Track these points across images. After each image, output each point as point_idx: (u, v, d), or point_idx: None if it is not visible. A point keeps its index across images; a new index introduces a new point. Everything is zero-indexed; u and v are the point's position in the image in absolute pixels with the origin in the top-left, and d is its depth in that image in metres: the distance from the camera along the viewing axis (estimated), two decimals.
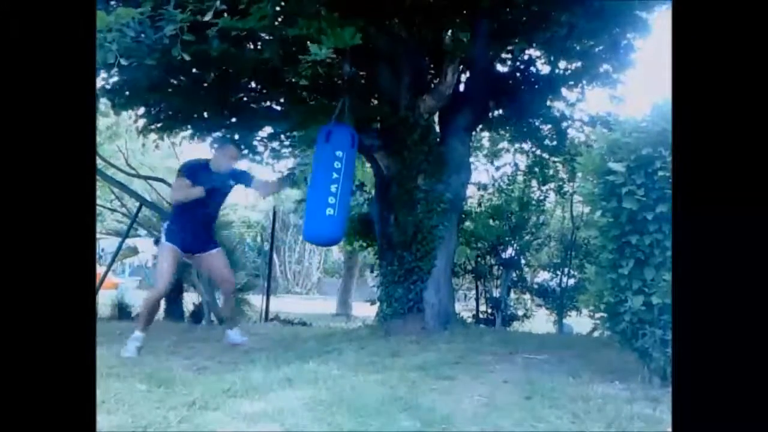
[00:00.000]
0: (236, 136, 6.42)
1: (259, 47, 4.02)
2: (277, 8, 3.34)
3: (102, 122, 9.16)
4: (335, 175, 4.41)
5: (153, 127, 6.03)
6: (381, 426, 2.18)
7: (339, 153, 4.43)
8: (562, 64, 6.41)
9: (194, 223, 4.09)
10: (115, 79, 4.88)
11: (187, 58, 3.35)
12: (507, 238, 8.61)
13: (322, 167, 4.48)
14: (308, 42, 3.47)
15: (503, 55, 6.47)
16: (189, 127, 6.24)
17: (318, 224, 4.48)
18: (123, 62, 3.18)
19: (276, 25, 3.70)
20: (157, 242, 4.19)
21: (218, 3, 3.23)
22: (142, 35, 3.35)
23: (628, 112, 6.79)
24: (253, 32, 3.79)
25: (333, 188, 4.40)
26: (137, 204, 7.94)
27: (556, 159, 8.16)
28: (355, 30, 3.63)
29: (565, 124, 7.22)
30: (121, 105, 5.61)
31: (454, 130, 5.48)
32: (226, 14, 3.33)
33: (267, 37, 3.75)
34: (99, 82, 4.94)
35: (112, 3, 4.18)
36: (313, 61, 3.49)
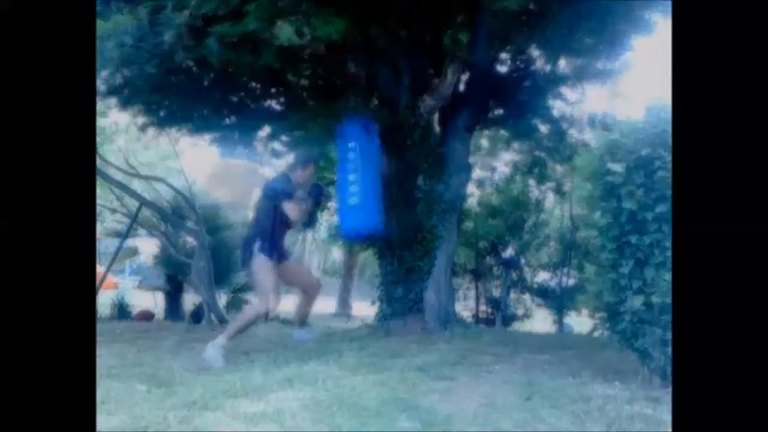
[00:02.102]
0: (236, 136, 6.44)
1: (257, 49, 4.00)
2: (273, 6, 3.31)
3: (102, 122, 9.16)
4: (351, 166, 4.56)
5: (151, 122, 6.02)
6: (381, 427, 2.18)
7: (351, 144, 4.60)
8: (562, 64, 6.41)
9: (279, 237, 4.13)
10: (116, 79, 4.88)
11: (191, 63, 3.34)
12: (507, 238, 8.62)
13: (340, 162, 4.68)
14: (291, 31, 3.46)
15: (503, 55, 6.47)
16: (189, 125, 6.24)
17: (345, 216, 4.67)
18: (125, 72, 3.18)
19: (269, 33, 3.68)
20: (244, 262, 4.10)
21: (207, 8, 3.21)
22: (141, 42, 3.34)
23: (627, 112, 6.81)
24: (251, 36, 3.77)
25: (351, 177, 4.56)
26: (137, 204, 7.94)
27: (555, 159, 8.17)
28: (345, 26, 3.64)
29: (564, 124, 7.22)
30: (121, 105, 5.61)
31: (453, 130, 5.48)
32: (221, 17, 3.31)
33: (263, 38, 3.71)
34: (99, 83, 4.93)
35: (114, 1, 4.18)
36: (309, 58, 3.50)
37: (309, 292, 4.40)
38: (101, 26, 3.12)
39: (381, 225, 4.77)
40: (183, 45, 3.25)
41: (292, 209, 4.01)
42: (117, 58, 3.13)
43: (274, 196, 4.08)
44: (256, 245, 3.97)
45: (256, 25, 3.49)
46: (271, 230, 4.04)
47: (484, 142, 9.32)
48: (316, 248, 22.69)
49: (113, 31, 3.11)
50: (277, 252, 4.05)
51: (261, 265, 3.95)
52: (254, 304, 4.18)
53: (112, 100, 5.75)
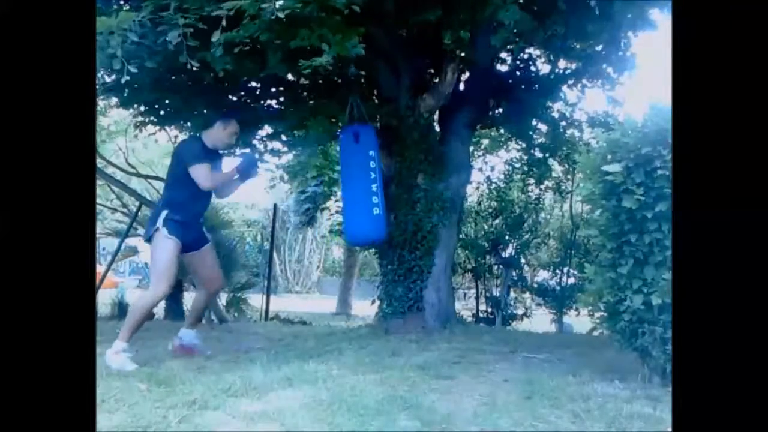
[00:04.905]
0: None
1: (261, 53, 3.98)
2: (279, 14, 3.28)
3: (101, 121, 9.16)
4: (373, 175, 4.61)
5: (149, 120, 6.02)
6: (381, 426, 2.18)
7: (372, 152, 4.61)
8: (562, 64, 6.41)
9: (193, 216, 3.67)
10: (115, 78, 4.88)
11: (196, 65, 3.32)
12: (506, 237, 8.62)
13: (357, 169, 4.65)
14: (309, 48, 3.46)
15: (503, 54, 6.46)
16: (189, 124, 6.24)
17: (365, 225, 4.66)
18: (132, 69, 3.16)
19: (278, 39, 3.65)
20: (149, 238, 3.54)
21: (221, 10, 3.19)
22: (143, 39, 3.33)
23: (627, 111, 6.80)
24: (256, 41, 3.74)
25: (374, 188, 4.60)
26: (137, 203, 7.96)
27: (555, 158, 8.17)
28: (358, 37, 3.63)
29: (564, 123, 7.22)
30: (121, 103, 5.61)
31: (454, 129, 5.48)
32: (224, 22, 3.29)
33: (271, 41, 3.68)
34: (98, 80, 4.93)
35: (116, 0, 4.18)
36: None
37: (207, 287, 3.89)
38: (104, 22, 3.10)
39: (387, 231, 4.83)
40: (187, 45, 3.23)
41: (200, 173, 3.50)
42: (121, 55, 3.11)
43: (181, 159, 3.58)
44: (161, 217, 3.49)
45: (267, 36, 3.47)
46: (182, 202, 3.57)
47: (485, 142, 9.32)
48: (316, 246, 22.70)
49: (116, 27, 3.10)
50: (186, 230, 3.56)
51: (162, 244, 3.46)
52: (145, 292, 3.65)
53: (113, 99, 5.76)
